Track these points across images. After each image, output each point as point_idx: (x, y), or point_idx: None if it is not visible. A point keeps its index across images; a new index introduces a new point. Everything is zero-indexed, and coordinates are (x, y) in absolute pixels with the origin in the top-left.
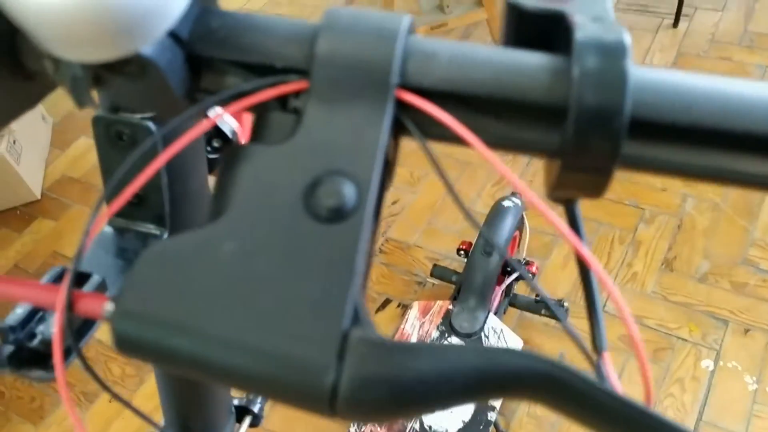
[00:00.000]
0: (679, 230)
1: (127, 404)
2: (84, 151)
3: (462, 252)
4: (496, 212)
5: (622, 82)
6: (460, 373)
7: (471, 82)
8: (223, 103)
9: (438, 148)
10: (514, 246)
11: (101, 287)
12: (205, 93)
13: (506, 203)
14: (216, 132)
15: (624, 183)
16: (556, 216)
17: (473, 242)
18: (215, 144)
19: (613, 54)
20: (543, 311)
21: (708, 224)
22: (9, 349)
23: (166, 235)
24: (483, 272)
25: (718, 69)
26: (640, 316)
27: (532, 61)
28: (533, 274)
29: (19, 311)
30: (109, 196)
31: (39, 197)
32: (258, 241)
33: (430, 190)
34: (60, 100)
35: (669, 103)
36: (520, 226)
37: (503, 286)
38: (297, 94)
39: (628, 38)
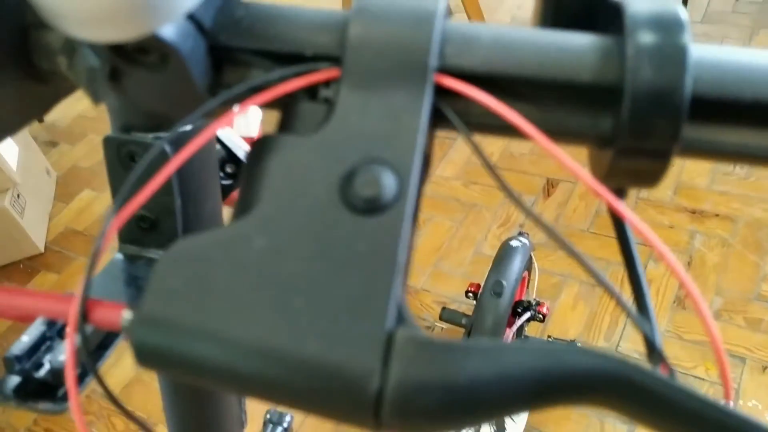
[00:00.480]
0: (689, 267)
1: (143, 425)
2: (88, 204)
3: (471, 294)
4: (504, 252)
5: (682, 57)
6: (518, 375)
7: (515, 63)
8: (251, 93)
9: (442, 190)
10: (524, 287)
11: None
12: (227, 88)
13: (514, 243)
14: (229, 157)
15: None
16: (621, 203)
17: (482, 284)
18: (229, 170)
19: (670, 28)
20: None
21: (718, 260)
22: (15, 380)
23: None
24: (493, 314)
25: None
26: None
27: (580, 40)
28: (544, 315)
29: (25, 339)
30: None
31: (42, 250)
32: (291, 237)
33: (435, 233)
34: (64, 155)
35: (731, 79)
36: (528, 266)
37: (514, 327)
38: (327, 83)
39: (684, 12)
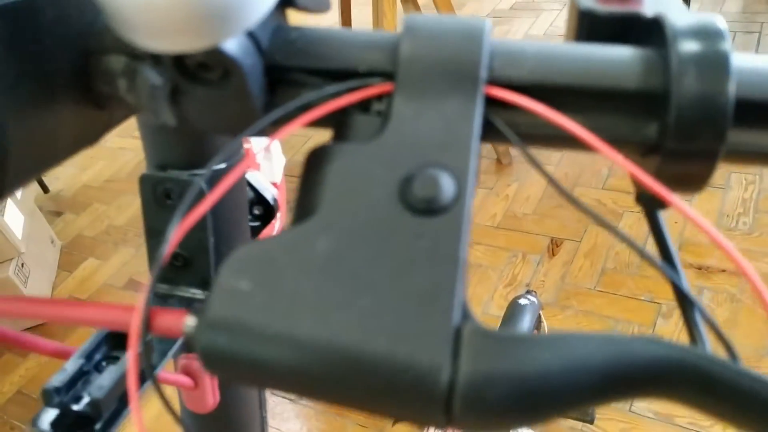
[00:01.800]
0: None
1: None
2: (91, 273)
3: None
4: (514, 310)
5: (724, 62)
6: (589, 365)
7: (561, 73)
8: (306, 109)
9: None
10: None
11: (149, 347)
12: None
13: (522, 301)
14: (258, 199)
15: (636, 278)
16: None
17: None
18: (257, 211)
19: (711, 36)
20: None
21: (728, 315)
22: (52, 413)
23: None
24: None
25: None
26: (669, 415)
27: (621, 51)
28: None
29: (68, 369)
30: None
31: (45, 321)
32: (354, 238)
33: None
34: (69, 224)
35: None
36: (537, 324)
37: None
38: (379, 97)
39: (723, 22)
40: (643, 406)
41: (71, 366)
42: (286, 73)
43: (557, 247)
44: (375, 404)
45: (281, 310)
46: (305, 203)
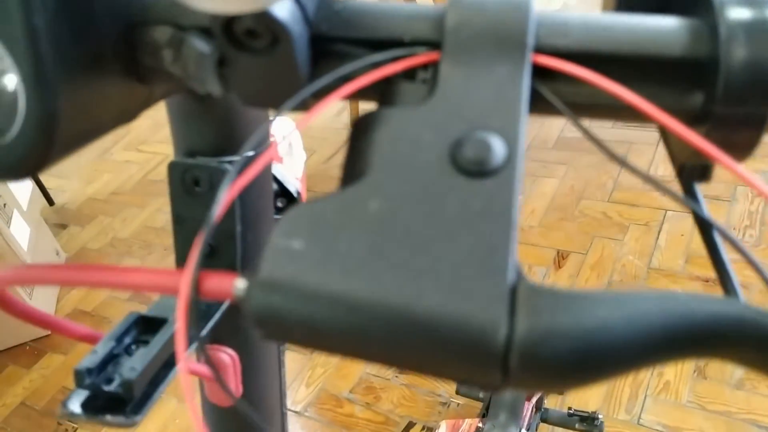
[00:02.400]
0: None
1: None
2: None
3: None
4: None
5: None
6: (647, 322)
7: (606, 41)
8: (353, 76)
9: None
10: None
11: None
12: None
13: None
14: (282, 191)
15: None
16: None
17: None
18: (279, 204)
19: (757, 3)
20: (577, 425)
21: None
22: (83, 394)
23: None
24: (511, 393)
25: (722, 177)
26: (677, 428)
27: (665, 20)
28: None
29: (99, 351)
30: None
31: (49, 332)
32: (406, 199)
33: None
34: (74, 237)
35: None
36: None
37: (533, 400)
38: (425, 66)
39: None
40: (652, 419)
41: (102, 348)
42: (331, 44)
43: (563, 259)
44: (430, 364)
45: (335, 269)
46: (354, 167)
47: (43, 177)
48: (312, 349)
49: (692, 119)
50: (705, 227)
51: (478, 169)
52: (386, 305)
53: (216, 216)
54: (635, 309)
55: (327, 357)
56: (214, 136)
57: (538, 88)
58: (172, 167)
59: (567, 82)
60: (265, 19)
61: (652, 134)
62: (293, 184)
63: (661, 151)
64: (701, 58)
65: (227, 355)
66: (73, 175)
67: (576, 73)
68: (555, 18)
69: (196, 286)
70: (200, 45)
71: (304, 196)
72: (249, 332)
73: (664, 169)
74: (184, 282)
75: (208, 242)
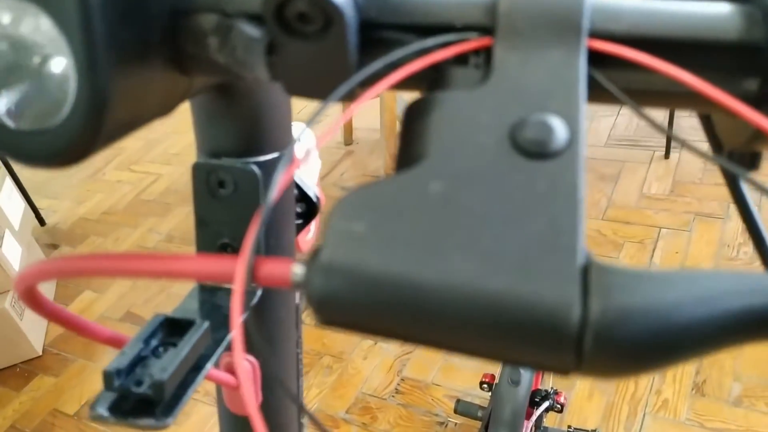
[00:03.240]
0: None
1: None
2: (88, 305)
3: (486, 385)
4: None
5: None
6: (722, 302)
7: (662, 26)
8: (404, 62)
9: None
10: (539, 377)
11: (206, 335)
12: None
13: None
14: (301, 196)
15: None
16: None
17: (496, 374)
18: (299, 209)
19: None
20: None
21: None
22: (110, 396)
23: (259, 291)
24: (511, 403)
25: (714, 194)
26: None
27: (718, 6)
28: (562, 405)
29: (128, 352)
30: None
31: (40, 353)
32: (467, 181)
33: None
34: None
35: None
36: None
37: (532, 419)
38: (476, 51)
39: None
40: None
41: (131, 349)
42: (380, 31)
43: None
44: (501, 348)
45: (399, 251)
46: (410, 150)
47: (34, 197)
48: (373, 335)
49: (749, 101)
50: (752, 223)
51: (540, 151)
52: (454, 287)
53: (273, 199)
54: (711, 288)
55: (322, 377)
56: (240, 137)
57: (592, 74)
58: (197, 168)
59: (621, 67)
60: (319, 1)
61: (644, 153)
62: (312, 189)
63: (654, 169)
64: (756, 43)
65: (248, 362)
66: (64, 195)
67: (635, 58)
68: (608, 3)
69: (252, 273)
70: (250, 30)
71: (323, 201)
72: (270, 339)
73: (656, 187)
74: (240, 268)
75: (230, 245)
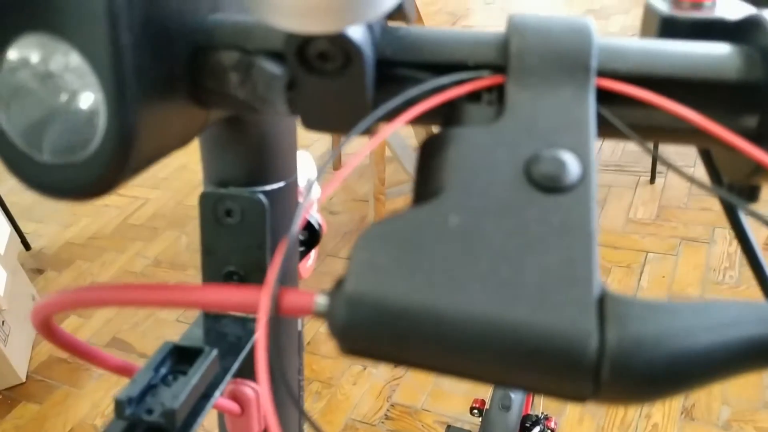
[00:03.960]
0: None
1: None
2: (73, 331)
3: (476, 411)
4: None
5: None
6: (736, 330)
7: (666, 66)
8: (419, 99)
9: None
10: (529, 401)
11: (215, 362)
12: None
13: None
14: (303, 224)
15: None
16: None
17: (486, 399)
18: (301, 237)
19: None
20: None
21: None
22: (121, 425)
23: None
24: (502, 429)
25: (700, 219)
26: None
27: (718, 47)
28: (552, 430)
29: (139, 380)
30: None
31: (24, 380)
32: (485, 214)
33: None
34: (51, 282)
35: None
36: None
37: None
38: (489, 89)
39: None
40: None
41: (141, 377)
42: (395, 68)
43: None
44: (520, 376)
45: (421, 282)
46: (427, 185)
47: (20, 221)
48: (394, 363)
49: (749, 137)
50: (752, 254)
51: (554, 185)
52: (475, 317)
53: (296, 229)
54: (719, 318)
55: (311, 403)
56: (247, 167)
57: (601, 111)
58: (204, 197)
59: (628, 104)
60: (339, 41)
61: (630, 178)
62: (314, 217)
63: (640, 194)
64: (755, 82)
65: (251, 389)
66: (50, 219)
67: (641, 96)
68: (614, 42)
69: (276, 303)
70: (272, 67)
71: (325, 229)
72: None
73: (643, 212)
74: (265, 298)
75: (236, 272)
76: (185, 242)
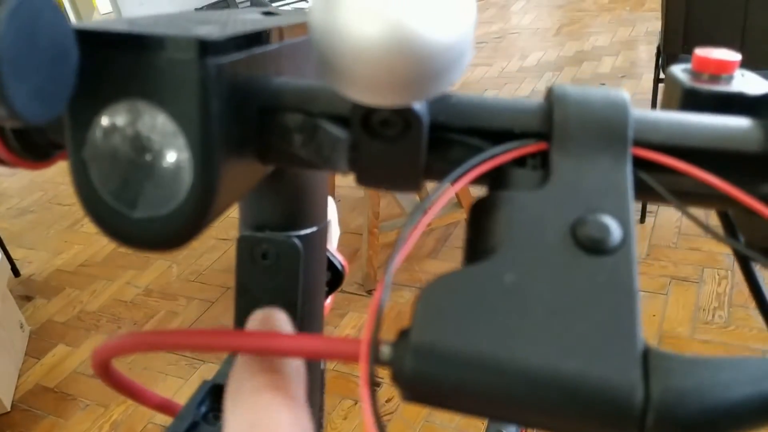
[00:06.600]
0: None
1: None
2: (61, 359)
3: None
4: None
5: None
6: (766, 385)
7: (694, 137)
8: (474, 165)
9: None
10: None
11: None
12: (439, 165)
13: None
14: (327, 265)
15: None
16: None
17: None
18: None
19: None
20: None
21: None
22: None
23: None
24: None
25: (690, 259)
26: None
27: (739, 121)
28: None
29: (185, 417)
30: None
31: (9, 409)
32: (536, 273)
33: None
34: (39, 309)
35: None
36: None
37: None
38: (533, 155)
39: None
40: None
41: (186, 414)
42: (446, 133)
43: None
44: (571, 424)
45: (481, 335)
46: (480, 245)
47: (10, 247)
48: (455, 411)
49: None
50: (765, 306)
51: (598, 247)
52: (531, 368)
53: (389, 280)
54: (755, 372)
55: None
56: (285, 213)
57: (640, 176)
58: (242, 240)
59: (659, 171)
60: (402, 111)
61: None
62: (338, 258)
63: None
64: None
65: None
66: (40, 246)
67: (674, 165)
68: (648, 115)
69: (376, 352)
70: (336, 131)
71: (347, 270)
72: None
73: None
74: (364, 348)
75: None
76: (176, 271)
